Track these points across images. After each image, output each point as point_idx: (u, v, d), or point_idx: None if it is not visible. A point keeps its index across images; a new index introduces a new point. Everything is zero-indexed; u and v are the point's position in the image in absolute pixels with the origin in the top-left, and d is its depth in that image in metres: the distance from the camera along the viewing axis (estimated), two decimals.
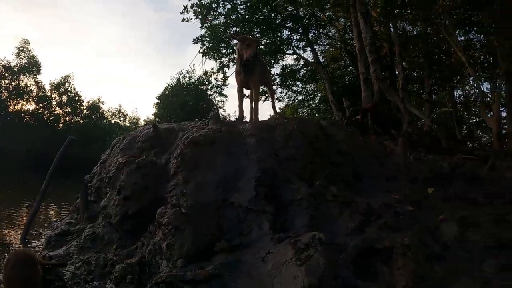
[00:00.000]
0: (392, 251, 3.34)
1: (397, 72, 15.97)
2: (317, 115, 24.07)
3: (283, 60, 21.02)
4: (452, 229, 4.03)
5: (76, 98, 40.88)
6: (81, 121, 41.05)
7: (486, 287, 3.03)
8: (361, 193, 4.77)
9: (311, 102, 25.42)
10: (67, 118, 40.67)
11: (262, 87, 7.14)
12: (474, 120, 21.43)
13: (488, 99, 16.64)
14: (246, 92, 6.95)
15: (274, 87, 20.99)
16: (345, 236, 3.85)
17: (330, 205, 4.38)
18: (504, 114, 14.53)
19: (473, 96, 21.41)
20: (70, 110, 40.58)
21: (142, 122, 44.69)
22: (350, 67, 21.87)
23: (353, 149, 6.01)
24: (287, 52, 19.51)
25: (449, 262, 3.45)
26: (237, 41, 5.94)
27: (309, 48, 18.90)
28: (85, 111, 41.97)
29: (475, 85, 15.83)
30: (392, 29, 16.69)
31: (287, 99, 24.26)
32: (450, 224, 4.11)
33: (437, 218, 4.26)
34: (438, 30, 14.65)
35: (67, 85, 40.61)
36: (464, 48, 13.94)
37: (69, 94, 40.39)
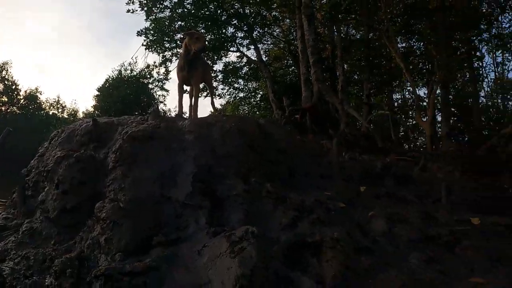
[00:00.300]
0: (322, 244, 3.51)
1: (338, 74, 16.44)
2: (257, 112, 24.42)
3: (226, 57, 21.27)
4: (381, 225, 4.25)
5: (13, 87, 39.02)
6: (18, 111, 39.21)
7: (412, 277, 3.25)
8: (296, 191, 4.89)
9: (252, 99, 25.84)
10: (3, 108, 38.68)
11: (202, 83, 7.21)
12: (410, 123, 22.34)
13: (424, 103, 17.41)
14: (187, 88, 7.00)
15: (216, 83, 21.20)
16: (278, 231, 3.97)
17: (265, 201, 4.49)
18: (439, 119, 15.30)
19: (410, 100, 22.35)
20: (6, 99, 38.69)
21: (81, 114, 43.26)
22: (292, 67, 22.36)
23: (290, 147, 6.17)
24: (231, 49, 19.79)
25: (377, 255, 3.68)
26: (185, 36, 5.97)
27: (252, 46, 19.25)
28: (22, 101, 40.07)
29: (412, 90, 16.47)
30: (335, 33, 17.16)
31: (229, 96, 24.48)
32: (380, 220, 4.33)
33: (368, 215, 4.48)
34: (380, 36, 15.14)
35: (4, 73, 38.64)
36: (403, 55, 14.52)
37: (5, 82, 38.44)
